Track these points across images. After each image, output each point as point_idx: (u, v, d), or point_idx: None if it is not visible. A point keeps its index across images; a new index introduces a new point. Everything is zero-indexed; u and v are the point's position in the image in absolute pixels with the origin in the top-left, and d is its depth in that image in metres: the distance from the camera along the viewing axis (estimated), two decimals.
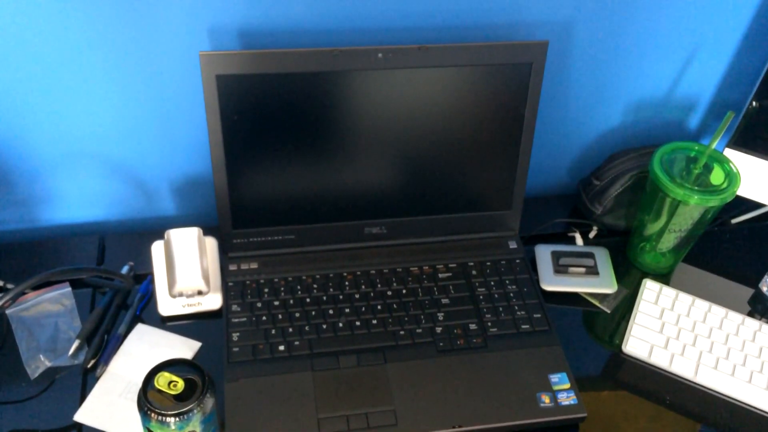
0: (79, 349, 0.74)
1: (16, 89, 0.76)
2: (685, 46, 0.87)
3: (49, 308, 0.78)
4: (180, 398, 0.56)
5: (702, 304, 0.82)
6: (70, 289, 0.80)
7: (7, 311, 0.77)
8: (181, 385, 0.56)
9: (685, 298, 0.82)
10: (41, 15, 0.71)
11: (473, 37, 0.81)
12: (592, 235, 0.91)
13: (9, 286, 0.79)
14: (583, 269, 0.85)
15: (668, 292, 0.83)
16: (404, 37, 0.79)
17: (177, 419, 0.55)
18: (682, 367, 0.77)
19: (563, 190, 0.99)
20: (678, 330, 0.80)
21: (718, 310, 0.81)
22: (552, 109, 0.90)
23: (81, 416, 0.69)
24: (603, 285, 0.84)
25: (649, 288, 0.84)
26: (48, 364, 0.73)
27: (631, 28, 0.84)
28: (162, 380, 0.56)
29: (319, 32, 0.77)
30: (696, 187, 0.78)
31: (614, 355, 0.79)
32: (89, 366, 0.73)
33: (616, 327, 0.82)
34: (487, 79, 0.77)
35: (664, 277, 0.87)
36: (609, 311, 0.83)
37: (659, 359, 0.78)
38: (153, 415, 0.55)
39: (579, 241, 0.90)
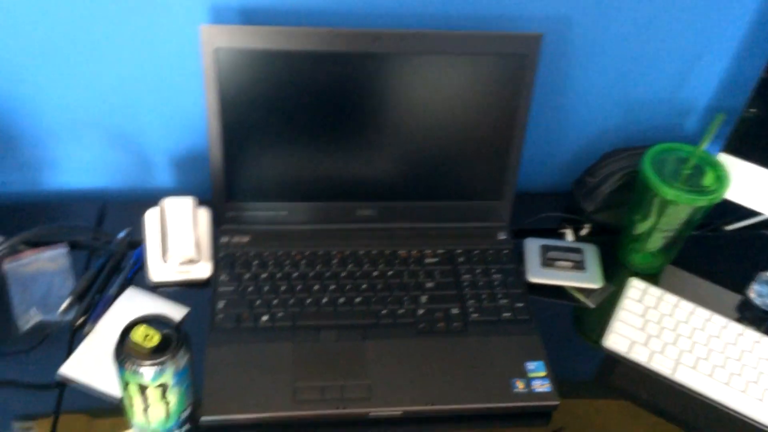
0: (70, 306, 0.76)
1: (24, 56, 0.79)
2: (684, 50, 0.88)
3: (46, 266, 0.80)
4: (155, 351, 0.58)
5: (686, 306, 0.82)
6: (67, 249, 0.82)
7: (5, 266, 0.79)
8: (156, 338, 0.58)
9: (670, 299, 0.83)
10: None
11: (470, 27, 0.82)
12: (583, 232, 0.92)
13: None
14: (570, 263, 0.86)
15: (654, 291, 0.84)
16: (402, 22, 0.81)
17: (150, 370, 0.57)
18: (661, 365, 0.77)
19: (557, 187, 0.99)
20: (660, 329, 0.80)
21: (703, 312, 0.82)
22: (548, 105, 0.91)
23: (66, 369, 0.72)
24: (589, 280, 0.85)
25: (635, 286, 0.84)
26: (39, 317, 0.75)
27: (631, 28, 0.85)
28: (139, 333, 0.58)
29: (317, 13, 0.79)
30: (685, 187, 0.78)
31: (594, 349, 0.80)
32: (78, 324, 0.76)
33: (598, 322, 0.82)
34: (482, 69, 0.78)
35: (653, 278, 0.87)
36: (593, 306, 0.84)
37: (638, 355, 0.78)
38: (128, 364, 0.57)
39: (570, 237, 0.91)
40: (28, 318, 0.76)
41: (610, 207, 0.90)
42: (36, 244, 0.82)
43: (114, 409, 0.68)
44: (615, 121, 0.94)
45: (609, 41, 0.86)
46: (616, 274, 0.88)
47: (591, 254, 0.88)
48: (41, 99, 0.83)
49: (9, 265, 0.80)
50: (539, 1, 0.81)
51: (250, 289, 0.78)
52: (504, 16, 0.82)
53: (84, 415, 0.69)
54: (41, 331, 0.75)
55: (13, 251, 0.81)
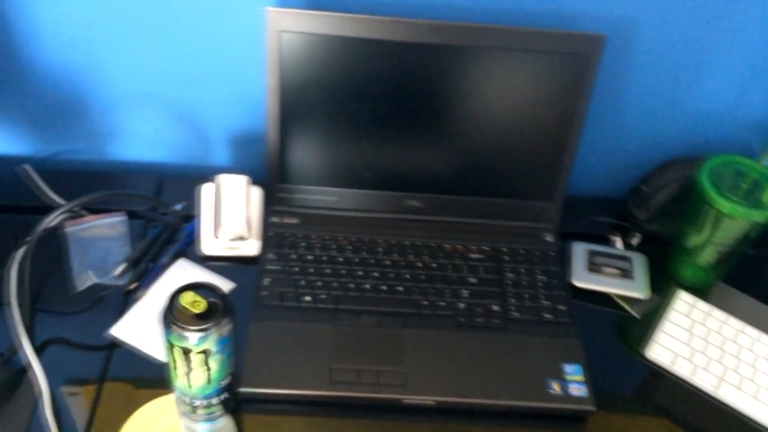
0: (124, 272, 0.79)
1: (96, 29, 0.83)
2: (750, 60, 0.85)
3: (105, 232, 0.84)
4: (201, 317, 0.59)
5: (735, 323, 0.80)
6: (126, 218, 0.85)
7: (66, 229, 0.83)
8: (203, 305, 0.60)
9: (718, 315, 0.81)
10: None
11: (532, 24, 0.82)
12: (634, 241, 0.90)
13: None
14: (617, 271, 0.85)
15: (702, 306, 0.82)
16: (465, 15, 0.81)
17: (195, 335, 0.59)
18: (704, 381, 0.76)
19: (610, 193, 0.98)
20: (706, 344, 0.78)
21: (752, 332, 0.79)
22: (606, 109, 0.90)
23: (116, 331, 0.75)
24: (635, 289, 0.84)
25: (683, 299, 0.82)
26: (95, 279, 0.79)
27: (698, 35, 0.83)
28: (186, 298, 0.60)
29: (381, 2, 0.80)
30: (742, 202, 0.77)
31: (636, 359, 0.78)
32: (130, 288, 0.79)
33: (642, 333, 0.81)
34: (541, 66, 0.78)
35: (702, 293, 0.85)
36: (638, 316, 0.83)
37: (682, 369, 0.77)
38: (174, 328, 0.59)
39: (619, 245, 0.90)
40: (85, 279, 0.79)
41: (664, 217, 0.89)
42: (97, 210, 0.85)
43: (157, 373, 0.71)
44: (674, 129, 0.92)
45: (673, 47, 0.84)
46: (664, 286, 0.86)
47: (639, 263, 0.86)
48: (110, 72, 0.87)
49: (70, 229, 0.83)
50: (603, 2, 0.80)
51: (295, 269, 0.80)
52: (567, 15, 0.82)
53: (129, 377, 0.71)
54: (95, 293, 0.78)
55: (75, 215, 0.85)
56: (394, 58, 0.77)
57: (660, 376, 0.77)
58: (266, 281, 0.79)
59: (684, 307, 0.82)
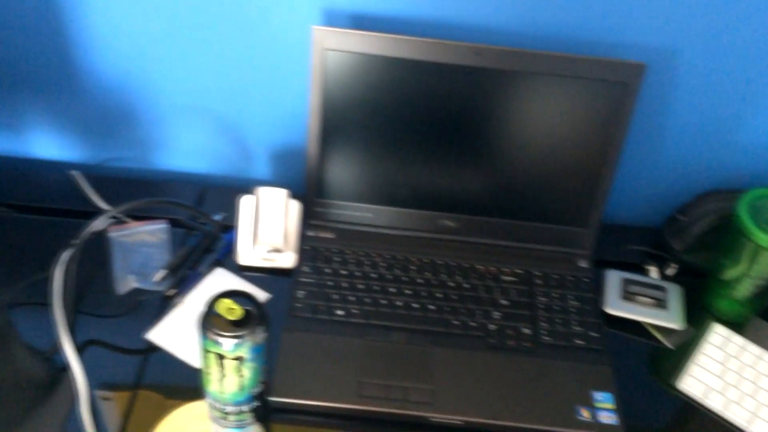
0: (164, 278, 0.82)
1: (148, 41, 0.86)
2: None
3: (146, 238, 0.86)
4: (236, 324, 0.61)
5: None
6: (167, 225, 0.88)
7: (110, 234, 0.86)
8: (239, 313, 0.61)
9: (753, 350, 0.80)
10: None
11: (573, 50, 0.83)
12: (669, 272, 0.90)
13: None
14: (651, 300, 0.84)
15: (737, 340, 0.81)
16: (506, 40, 0.82)
17: (230, 341, 0.60)
18: (736, 415, 0.74)
19: (646, 222, 0.97)
20: (739, 378, 0.77)
21: None
22: (646, 138, 0.90)
23: (153, 335, 0.77)
24: (669, 320, 0.83)
25: (718, 332, 0.81)
26: (135, 284, 0.81)
27: (741, 67, 0.83)
28: (223, 305, 0.62)
29: (424, 24, 0.82)
30: None
31: (667, 390, 0.77)
32: (169, 294, 0.81)
33: (675, 364, 0.80)
34: (581, 93, 0.79)
35: (737, 327, 0.84)
36: (671, 347, 0.82)
37: (714, 402, 0.75)
38: (210, 333, 0.60)
39: (654, 274, 0.89)
40: (126, 284, 0.81)
41: (701, 248, 0.88)
42: (140, 217, 0.88)
43: (191, 379, 0.73)
44: (714, 160, 0.91)
45: (715, 78, 0.84)
46: (698, 318, 0.85)
47: (674, 294, 0.85)
48: (160, 84, 0.90)
49: (113, 234, 0.86)
50: (645, 31, 0.81)
51: (329, 283, 0.81)
52: (609, 42, 0.82)
53: (163, 381, 0.73)
54: (135, 297, 0.81)
55: (119, 221, 0.88)
56: (434, 80, 0.79)
57: (691, 408, 0.76)
58: (300, 293, 0.80)
59: (719, 340, 0.81)
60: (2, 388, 0.65)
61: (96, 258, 0.84)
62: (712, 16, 0.79)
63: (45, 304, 0.77)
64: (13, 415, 0.67)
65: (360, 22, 0.83)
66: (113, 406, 0.71)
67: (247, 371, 0.63)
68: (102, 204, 0.90)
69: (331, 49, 0.78)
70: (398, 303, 0.80)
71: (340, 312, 0.78)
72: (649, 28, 0.81)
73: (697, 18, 0.80)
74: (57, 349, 0.73)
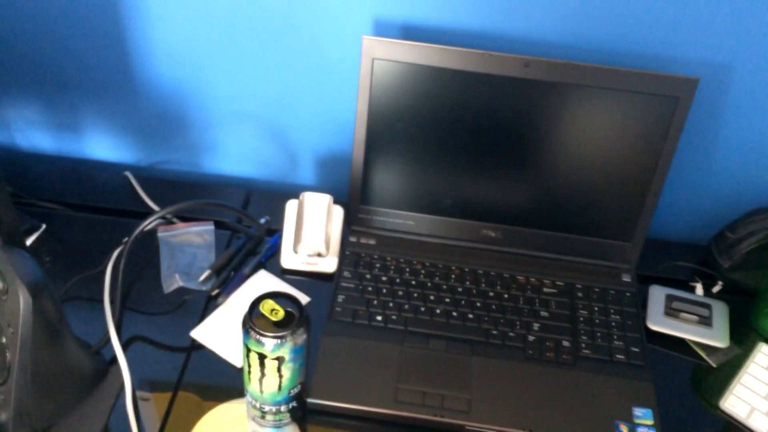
0: (208, 278, 0.84)
1: (203, 48, 0.89)
2: None
3: (193, 239, 0.89)
4: (278, 325, 0.62)
5: None
6: (213, 227, 0.90)
7: (159, 234, 0.88)
8: (281, 314, 0.63)
9: None
10: None
11: (624, 64, 0.82)
12: (715, 289, 0.88)
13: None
14: (696, 317, 0.83)
15: None
16: (555, 52, 0.82)
17: (271, 341, 0.61)
18: None
19: (694, 239, 0.96)
20: None
21: None
22: (695, 153, 0.88)
23: (196, 333, 0.79)
24: (714, 338, 0.81)
25: (764, 352, 0.79)
26: (181, 283, 0.83)
27: None
28: (266, 306, 0.63)
29: (473, 35, 0.83)
30: None
31: (709, 409, 0.76)
32: (213, 294, 0.83)
33: (718, 383, 0.78)
34: (631, 107, 0.78)
35: None
36: (715, 366, 0.80)
37: (758, 423, 0.74)
38: (252, 333, 0.62)
39: (699, 291, 0.87)
40: (172, 282, 0.84)
41: (748, 267, 0.86)
42: (187, 218, 0.91)
43: (232, 378, 0.74)
44: (764, 177, 0.89)
45: (766, 94, 0.82)
46: (744, 337, 0.83)
47: (720, 311, 0.84)
48: (211, 89, 0.92)
49: (161, 234, 0.89)
50: (697, 45, 0.80)
51: (369, 288, 0.82)
52: (661, 57, 0.81)
53: (205, 379, 0.75)
54: (181, 296, 0.83)
55: (167, 222, 0.90)
56: (482, 91, 0.79)
57: (734, 428, 0.74)
58: (340, 298, 0.81)
59: (764, 360, 0.79)
60: (54, 379, 0.67)
61: (145, 257, 0.87)
62: (766, 32, 0.78)
63: (96, 300, 0.80)
64: (62, 405, 0.70)
65: (409, 32, 0.84)
66: (157, 400, 0.73)
67: (287, 372, 0.64)
68: (152, 204, 0.93)
69: (380, 58, 0.79)
70: (437, 311, 0.80)
71: (379, 318, 0.79)
72: (701, 42, 0.80)
73: (749, 33, 0.78)
74: (105, 343, 0.76)
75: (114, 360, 0.75)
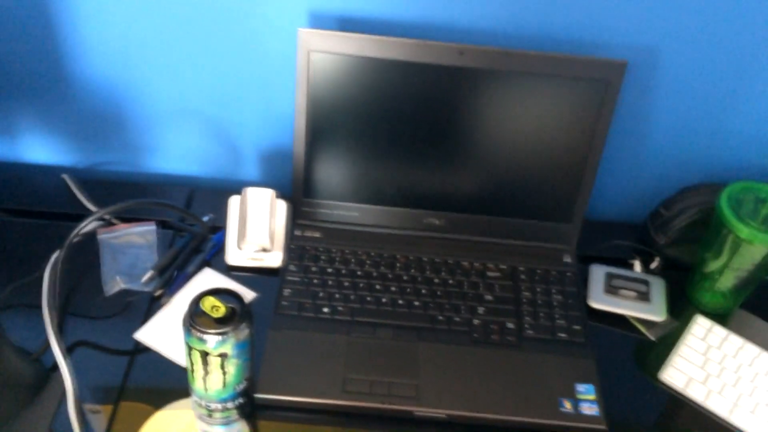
0: (151, 278, 0.83)
1: (138, 47, 0.87)
2: None
3: (135, 240, 0.87)
4: (219, 321, 0.62)
5: (752, 349, 0.80)
6: (155, 227, 0.89)
7: (99, 236, 0.87)
8: (222, 310, 0.62)
9: (735, 340, 0.81)
10: None
11: (555, 50, 0.84)
12: (653, 266, 0.91)
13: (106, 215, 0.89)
14: (634, 293, 0.85)
15: (719, 331, 0.81)
16: (489, 40, 0.83)
17: (213, 338, 0.61)
18: (718, 405, 0.75)
19: (632, 218, 0.98)
20: (721, 369, 0.78)
21: None
22: (628, 134, 0.91)
23: (141, 335, 0.78)
24: (652, 312, 0.84)
25: (700, 323, 0.82)
26: (123, 285, 0.82)
27: (721, 62, 0.84)
28: (207, 303, 0.63)
29: (409, 26, 0.83)
30: (761, 228, 0.77)
31: (649, 382, 0.78)
32: (157, 295, 0.82)
33: (657, 356, 0.81)
34: (563, 91, 0.80)
35: (720, 319, 0.85)
36: (654, 339, 0.83)
37: (695, 393, 0.76)
38: (194, 331, 0.61)
39: (638, 268, 0.90)
40: (114, 285, 0.82)
41: (683, 242, 0.89)
42: (130, 219, 0.89)
43: (178, 378, 0.74)
44: (697, 155, 0.92)
45: (697, 74, 0.85)
46: (681, 311, 0.86)
47: (657, 287, 0.86)
48: (149, 87, 0.91)
49: (102, 236, 0.87)
50: (627, 29, 0.82)
51: (315, 281, 0.82)
52: (590, 42, 0.83)
53: (151, 380, 0.74)
54: (124, 298, 0.82)
55: (109, 224, 0.89)
56: (418, 80, 0.80)
57: (673, 399, 0.77)
58: (287, 292, 0.81)
59: (700, 331, 0.82)
60: None
61: (86, 260, 0.85)
62: (693, 14, 0.80)
63: (35, 306, 0.79)
64: (2, 415, 0.68)
65: (346, 24, 0.84)
66: (102, 404, 0.72)
67: (231, 368, 0.64)
68: (92, 207, 0.91)
69: (317, 50, 0.79)
70: (384, 300, 0.81)
71: (326, 309, 0.79)
72: (631, 26, 0.82)
73: (675, 16, 0.81)
74: (45, 350, 0.74)
75: (55, 366, 0.73)
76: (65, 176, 0.95)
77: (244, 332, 0.63)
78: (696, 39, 0.82)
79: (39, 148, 0.99)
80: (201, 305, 0.63)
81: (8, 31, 0.87)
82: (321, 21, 0.84)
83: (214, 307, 0.63)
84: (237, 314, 0.63)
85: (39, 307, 0.78)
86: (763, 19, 0.80)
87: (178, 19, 0.85)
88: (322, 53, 0.79)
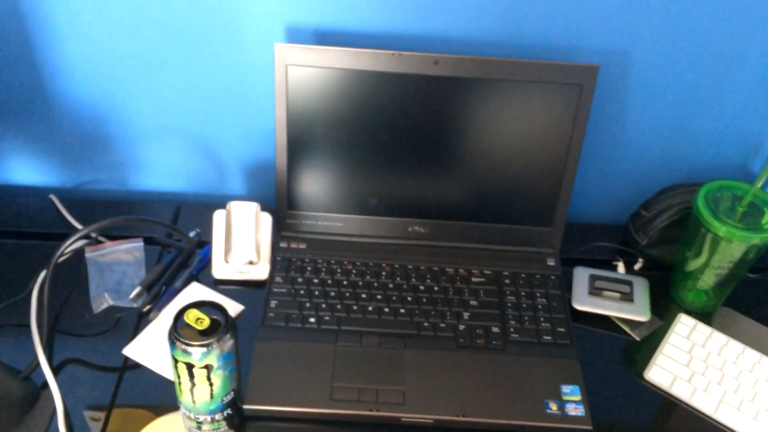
0: (139, 295, 0.83)
1: (120, 66, 0.88)
2: (749, 87, 0.87)
3: (122, 257, 0.88)
4: (204, 333, 0.63)
5: (735, 346, 0.81)
6: (142, 244, 0.90)
7: (86, 254, 0.88)
8: (206, 322, 0.63)
9: (719, 338, 0.81)
10: (145, 3, 0.83)
11: (529, 56, 0.85)
12: (636, 266, 0.92)
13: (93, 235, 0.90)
14: (618, 294, 0.86)
15: (703, 329, 0.82)
16: (463, 49, 0.85)
17: (198, 350, 0.62)
18: (703, 402, 0.76)
19: (614, 220, 1.00)
20: (705, 366, 0.79)
21: (752, 354, 0.80)
22: (605, 137, 0.92)
23: (129, 351, 0.78)
24: (636, 312, 0.85)
25: (683, 322, 0.83)
26: (111, 302, 0.83)
27: (693, 63, 0.85)
28: (191, 316, 0.63)
29: (386, 37, 0.84)
30: (739, 225, 0.78)
31: (635, 381, 0.79)
32: (145, 310, 0.82)
33: (642, 356, 0.82)
34: (539, 97, 0.81)
35: (703, 317, 0.86)
36: (638, 339, 0.84)
37: (680, 391, 0.77)
38: (179, 344, 0.62)
39: (621, 269, 0.91)
40: (102, 302, 0.83)
41: (664, 242, 0.90)
42: (116, 237, 0.90)
43: (167, 392, 0.74)
44: (674, 155, 0.94)
45: (669, 76, 0.86)
46: (665, 310, 0.87)
47: (641, 287, 0.87)
48: (132, 106, 0.92)
49: (89, 254, 0.88)
50: (599, 34, 0.83)
51: (301, 291, 0.83)
52: (564, 47, 0.85)
53: (140, 396, 0.74)
54: (112, 315, 0.82)
55: (96, 242, 0.89)
56: (395, 90, 0.81)
57: (658, 397, 0.78)
58: (273, 303, 0.82)
59: (684, 329, 0.82)
60: None
61: (74, 278, 0.86)
62: (663, 16, 0.82)
63: (24, 325, 0.79)
64: None
65: (323, 37, 0.85)
66: (92, 421, 0.72)
67: (217, 380, 0.65)
68: (79, 226, 0.92)
69: (294, 64, 0.80)
70: (370, 308, 0.82)
71: (312, 319, 0.80)
72: (602, 31, 0.83)
73: (646, 19, 0.82)
74: (35, 368, 0.75)
75: (45, 384, 0.74)
76: (52, 196, 0.96)
77: (228, 343, 0.64)
78: (667, 41, 0.84)
79: (25, 170, 1.00)
80: (185, 318, 0.63)
81: None
82: (297, 35, 0.85)
83: (198, 319, 0.63)
84: (221, 326, 0.64)
85: (28, 325, 0.79)
86: (731, 19, 0.82)
87: (158, 39, 0.86)
88: (299, 67, 0.80)
